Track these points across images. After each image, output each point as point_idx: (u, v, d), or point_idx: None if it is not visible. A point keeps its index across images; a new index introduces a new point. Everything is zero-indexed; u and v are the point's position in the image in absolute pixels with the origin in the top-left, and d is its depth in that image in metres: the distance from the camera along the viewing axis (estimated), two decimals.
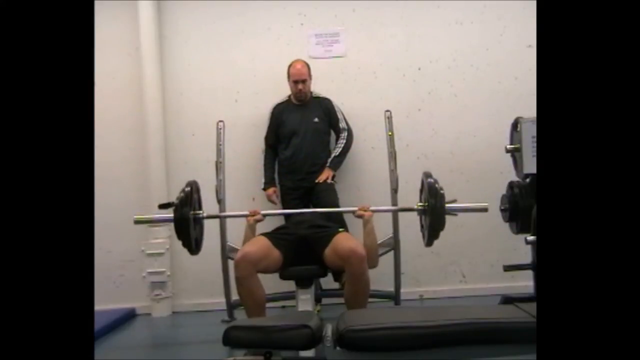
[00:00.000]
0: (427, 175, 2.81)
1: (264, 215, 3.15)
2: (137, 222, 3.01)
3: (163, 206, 2.87)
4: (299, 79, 3.89)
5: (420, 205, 2.82)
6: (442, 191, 2.69)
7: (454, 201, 2.75)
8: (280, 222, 3.60)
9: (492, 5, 4.26)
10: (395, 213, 3.60)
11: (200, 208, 2.95)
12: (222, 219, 3.60)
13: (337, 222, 3.40)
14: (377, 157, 3.97)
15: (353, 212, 3.06)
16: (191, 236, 2.79)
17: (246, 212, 3.11)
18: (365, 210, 2.97)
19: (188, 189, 2.83)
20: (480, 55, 4.27)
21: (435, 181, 2.74)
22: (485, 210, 2.90)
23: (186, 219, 2.75)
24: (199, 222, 2.91)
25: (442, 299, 4.16)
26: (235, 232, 3.65)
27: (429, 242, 2.78)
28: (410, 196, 4.08)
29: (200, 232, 2.95)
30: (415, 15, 4.30)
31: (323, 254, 2.90)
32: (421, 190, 2.87)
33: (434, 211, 2.67)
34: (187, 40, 4.31)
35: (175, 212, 2.75)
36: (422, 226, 2.90)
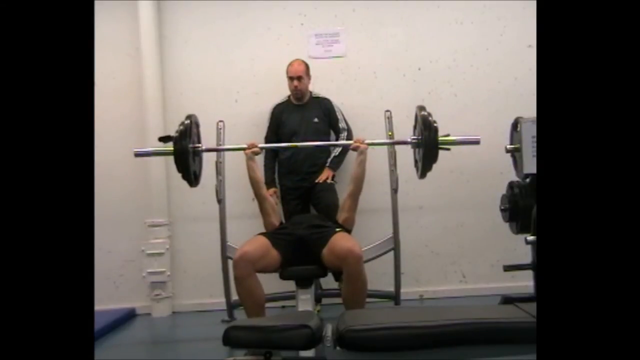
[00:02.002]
0: (421, 108, 2.89)
1: (261, 149, 3.32)
2: (137, 155, 3.11)
3: (163, 139, 2.92)
4: (294, 75, 3.90)
5: (414, 139, 2.92)
6: (435, 124, 2.76)
7: (447, 135, 2.81)
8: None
9: (492, 5, 4.27)
10: (395, 213, 3.61)
11: (199, 141, 3.02)
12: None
13: (336, 222, 3.39)
14: (376, 157, 3.96)
15: (349, 145, 3.27)
16: (190, 169, 2.85)
17: (244, 145, 3.19)
18: (361, 143, 3.14)
19: (187, 121, 2.89)
20: (480, 55, 4.27)
21: (429, 114, 2.82)
22: (477, 142, 3.00)
23: (185, 151, 2.79)
24: (198, 154, 2.98)
25: (442, 299, 4.16)
26: (235, 232, 3.66)
27: (422, 175, 2.89)
28: (411, 196, 4.11)
29: (199, 165, 3.02)
30: (415, 15, 4.30)
31: (321, 254, 2.91)
32: (415, 124, 2.93)
33: (428, 144, 2.74)
34: (187, 41, 4.32)
35: (175, 144, 2.80)
36: (415, 160, 2.98)
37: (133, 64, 4.22)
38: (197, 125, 3.02)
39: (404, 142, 3.06)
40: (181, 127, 2.86)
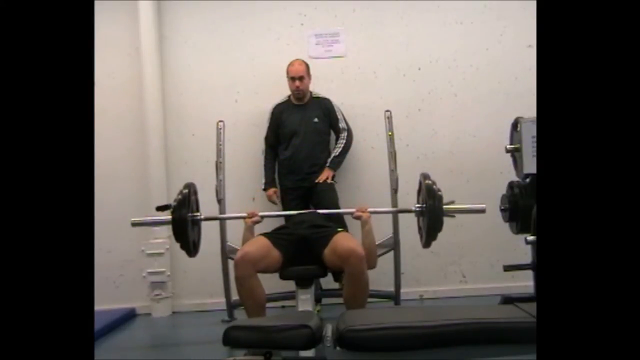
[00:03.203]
0: (425, 176, 2.81)
1: (262, 217, 3.15)
2: (134, 224, 3.02)
3: (160, 208, 2.88)
4: (295, 75, 3.89)
5: (418, 207, 2.83)
6: (439, 192, 2.70)
7: (452, 202, 2.75)
8: (280, 221, 3.60)
9: (492, 5, 4.26)
10: (395, 213, 3.60)
11: (197, 210, 2.96)
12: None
13: (338, 221, 3.39)
14: (377, 157, 3.97)
15: (351, 213, 3.06)
16: (189, 238, 2.80)
17: (244, 214, 3.11)
18: (363, 212, 2.98)
19: (186, 190, 2.84)
20: (480, 55, 4.27)
21: (433, 182, 2.75)
22: (482, 211, 2.91)
23: (184, 221, 2.75)
24: (196, 224, 2.92)
25: (442, 299, 4.16)
26: (235, 232, 3.65)
27: (426, 244, 2.79)
28: (411, 196, 4.07)
29: (198, 234, 2.96)
30: (415, 15, 4.30)
31: (322, 254, 2.90)
32: (419, 192, 2.87)
33: (432, 213, 2.67)
34: (187, 40, 4.32)
35: (173, 214, 2.76)
36: (419, 228, 2.90)
37: (133, 64, 4.22)
38: (196, 194, 2.95)
39: (408, 211, 2.94)
40: (179, 197, 2.80)
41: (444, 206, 2.68)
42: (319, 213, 3.27)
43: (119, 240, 4.20)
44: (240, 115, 4.22)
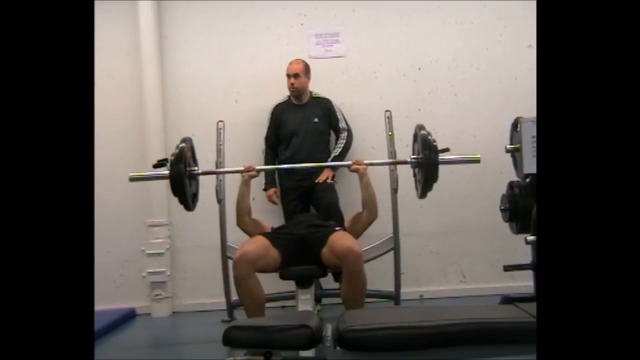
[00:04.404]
0: (420, 127, 2.85)
1: (258, 171, 3.25)
2: (132, 179, 3.05)
3: (158, 164, 2.89)
4: (290, 72, 3.92)
5: (414, 158, 2.89)
6: (434, 143, 2.74)
7: (447, 150, 2.79)
8: (281, 221, 3.61)
9: (492, 5, 4.27)
10: (395, 213, 3.61)
11: (195, 164, 2.99)
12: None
13: (337, 220, 3.40)
14: (377, 157, 3.96)
15: (348, 166, 3.14)
16: (187, 193, 2.82)
17: (241, 168, 3.17)
18: (360, 165, 3.05)
19: (182, 145, 2.85)
20: (480, 55, 4.27)
21: (428, 133, 2.79)
22: (477, 161, 2.98)
23: (181, 175, 2.77)
24: (194, 178, 2.95)
25: (442, 299, 4.16)
26: (235, 232, 3.65)
27: (422, 194, 2.86)
28: (411, 195, 4.09)
29: (196, 188, 2.99)
30: (415, 15, 4.30)
31: (321, 254, 2.91)
32: (414, 142, 2.91)
33: (427, 163, 2.72)
34: (187, 40, 4.32)
35: (170, 169, 2.78)
36: (415, 179, 2.95)
37: (133, 63, 4.22)
38: (192, 148, 2.97)
39: (404, 162, 3.02)
40: (176, 151, 2.82)
41: (440, 156, 2.73)
42: (318, 166, 3.47)
43: (119, 240, 4.21)
44: (240, 115, 4.22)
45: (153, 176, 2.98)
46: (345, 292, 2.86)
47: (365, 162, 3.09)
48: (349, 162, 3.15)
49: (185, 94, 4.30)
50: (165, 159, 2.85)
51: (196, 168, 2.97)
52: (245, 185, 3.13)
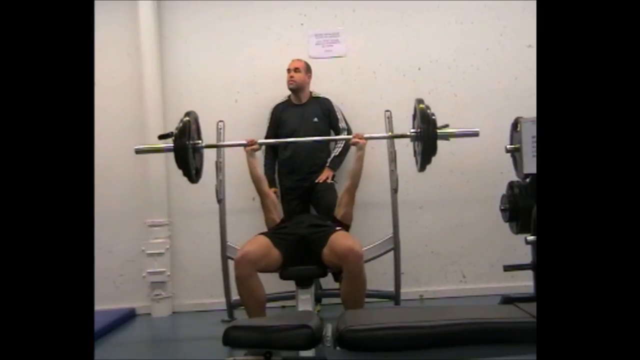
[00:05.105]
0: (420, 101, 2.91)
1: (260, 145, 3.37)
2: (138, 152, 3.14)
3: (162, 136, 2.98)
4: (291, 67, 3.95)
5: (413, 132, 2.95)
6: (433, 117, 2.78)
7: (446, 126, 2.83)
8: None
9: (492, 5, 4.26)
10: (395, 213, 3.61)
11: (199, 137, 3.06)
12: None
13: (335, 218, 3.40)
14: (377, 157, 3.96)
15: (348, 139, 3.29)
16: (190, 165, 2.88)
17: (244, 142, 3.25)
18: (360, 138, 3.17)
19: (187, 118, 2.91)
20: (480, 55, 4.27)
21: (427, 107, 2.85)
22: (476, 135, 3.02)
23: (185, 147, 2.83)
24: (198, 151, 3.02)
25: (442, 299, 4.16)
26: (236, 232, 3.66)
27: (421, 168, 2.92)
28: (411, 195, 4.11)
29: (200, 161, 3.07)
30: (415, 15, 4.30)
31: (321, 254, 2.91)
32: (414, 117, 2.95)
33: (426, 137, 2.76)
34: (187, 41, 4.32)
35: (174, 141, 2.84)
36: (415, 153, 3.01)
37: (133, 63, 4.22)
38: (197, 122, 3.05)
39: (403, 136, 3.11)
40: (180, 124, 2.88)
41: (438, 130, 2.78)
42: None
43: (119, 240, 4.21)
44: (240, 115, 4.22)
45: (157, 148, 3.09)
46: (345, 292, 2.86)
47: (366, 135, 3.21)
48: (351, 136, 3.28)
49: (185, 94, 4.30)
50: (171, 132, 2.92)
51: (200, 141, 3.05)
52: (251, 156, 3.24)
